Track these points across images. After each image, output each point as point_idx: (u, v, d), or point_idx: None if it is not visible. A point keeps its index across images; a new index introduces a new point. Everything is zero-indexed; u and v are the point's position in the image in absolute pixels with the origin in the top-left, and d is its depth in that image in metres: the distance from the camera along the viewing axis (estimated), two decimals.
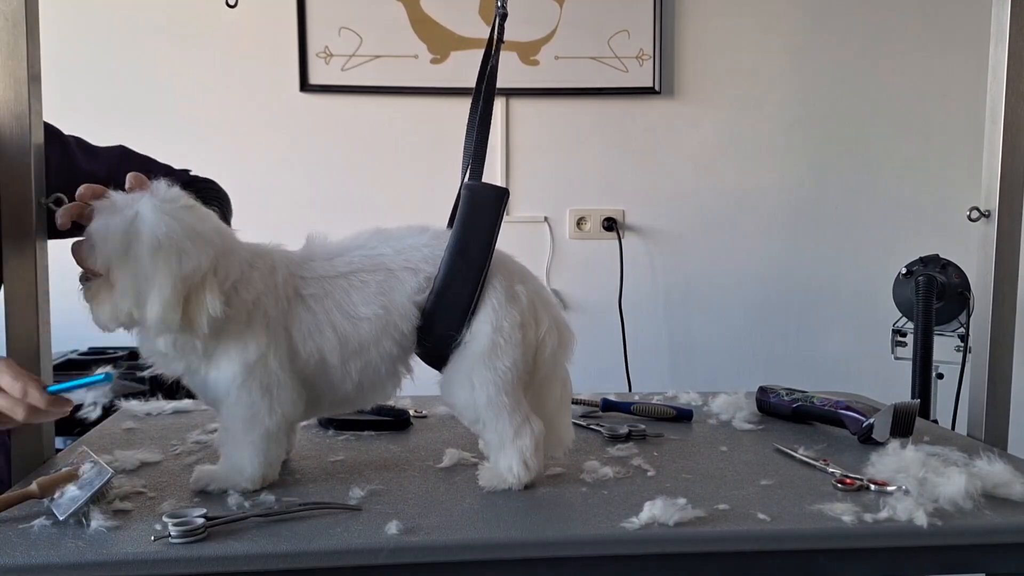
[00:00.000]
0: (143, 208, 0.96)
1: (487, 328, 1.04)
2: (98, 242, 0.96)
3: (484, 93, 1.13)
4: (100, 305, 0.97)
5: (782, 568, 0.92)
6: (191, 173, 1.44)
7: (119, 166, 1.30)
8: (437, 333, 1.06)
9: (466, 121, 1.15)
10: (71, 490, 0.92)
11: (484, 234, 1.06)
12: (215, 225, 1.02)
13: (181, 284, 0.95)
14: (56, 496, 0.92)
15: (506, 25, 1.16)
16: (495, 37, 1.15)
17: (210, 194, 1.35)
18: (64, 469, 0.97)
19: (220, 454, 1.05)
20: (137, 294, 0.95)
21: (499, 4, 1.16)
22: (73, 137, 1.36)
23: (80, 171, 1.27)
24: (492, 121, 1.14)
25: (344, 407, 1.17)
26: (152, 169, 1.27)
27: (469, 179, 1.10)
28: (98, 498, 0.93)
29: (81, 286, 0.99)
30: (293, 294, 1.03)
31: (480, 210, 1.07)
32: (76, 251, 0.98)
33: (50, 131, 1.23)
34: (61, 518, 0.89)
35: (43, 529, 0.89)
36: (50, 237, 1.13)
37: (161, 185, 1.00)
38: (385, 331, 1.04)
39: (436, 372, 1.10)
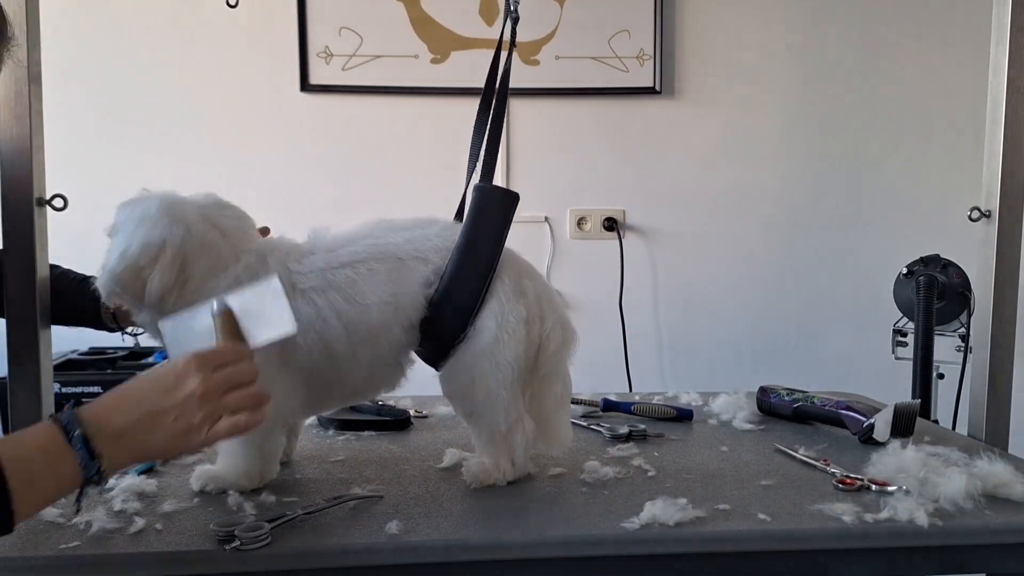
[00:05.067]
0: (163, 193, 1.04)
1: (492, 323, 1.04)
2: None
3: (496, 96, 1.13)
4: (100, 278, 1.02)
5: (783, 568, 0.92)
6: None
7: None
8: (442, 328, 1.05)
9: (472, 121, 1.15)
10: None
11: (493, 236, 1.07)
12: (218, 215, 1.04)
13: (140, 252, 0.98)
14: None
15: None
16: (507, 40, 1.15)
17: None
18: None
19: (217, 453, 1.05)
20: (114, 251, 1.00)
21: (511, 8, 1.16)
22: None
23: None
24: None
25: (352, 399, 1.18)
26: None
27: (480, 181, 1.10)
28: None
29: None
30: (292, 289, 1.02)
31: (490, 212, 1.07)
32: None
33: None
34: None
35: (43, 528, 0.89)
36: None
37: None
38: (396, 318, 1.04)
39: (435, 371, 1.10)
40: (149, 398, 0.79)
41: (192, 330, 0.86)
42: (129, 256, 0.98)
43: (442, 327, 1.05)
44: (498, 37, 1.17)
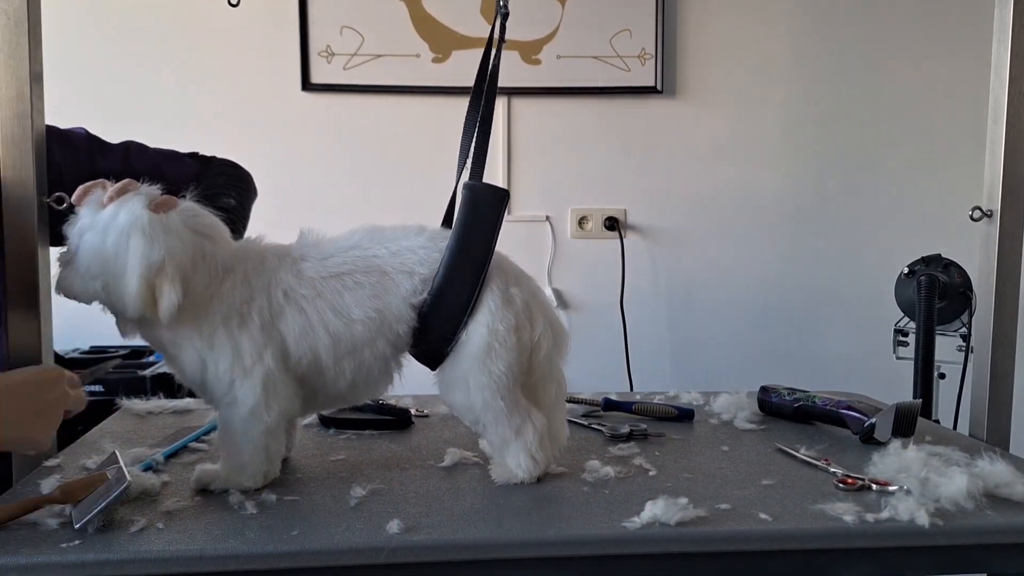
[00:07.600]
0: (131, 200, 0.99)
1: (483, 331, 1.04)
2: (80, 219, 1.00)
3: (485, 93, 1.13)
4: (66, 273, 1.01)
5: (783, 568, 0.92)
6: (200, 154, 1.45)
7: (127, 160, 1.34)
8: (433, 334, 1.06)
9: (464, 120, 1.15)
10: (89, 498, 0.92)
11: (484, 235, 1.06)
12: (201, 223, 1.04)
13: (145, 272, 0.96)
14: (80, 501, 0.92)
15: (508, 24, 1.16)
16: (496, 37, 1.15)
17: (223, 180, 1.39)
18: (95, 473, 0.97)
19: (220, 454, 1.05)
20: (105, 277, 0.98)
21: (501, 4, 1.16)
22: (82, 133, 1.37)
23: (96, 170, 1.29)
24: (493, 120, 1.13)
25: (338, 404, 1.19)
26: (160, 159, 1.33)
27: (470, 179, 1.10)
28: (115, 506, 0.92)
29: (60, 255, 1.03)
30: (284, 297, 1.03)
31: (481, 211, 1.07)
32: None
33: (60, 134, 1.29)
34: (76, 526, 0.89)
35: (43, 528, 0.89)
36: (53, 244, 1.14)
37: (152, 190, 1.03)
38: (380, 332, 1.05)
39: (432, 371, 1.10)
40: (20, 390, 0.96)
41: None
42: (140, 276, 0.96)
43: (434, 331, 1.06)
44: (493, 35, 1.17)
